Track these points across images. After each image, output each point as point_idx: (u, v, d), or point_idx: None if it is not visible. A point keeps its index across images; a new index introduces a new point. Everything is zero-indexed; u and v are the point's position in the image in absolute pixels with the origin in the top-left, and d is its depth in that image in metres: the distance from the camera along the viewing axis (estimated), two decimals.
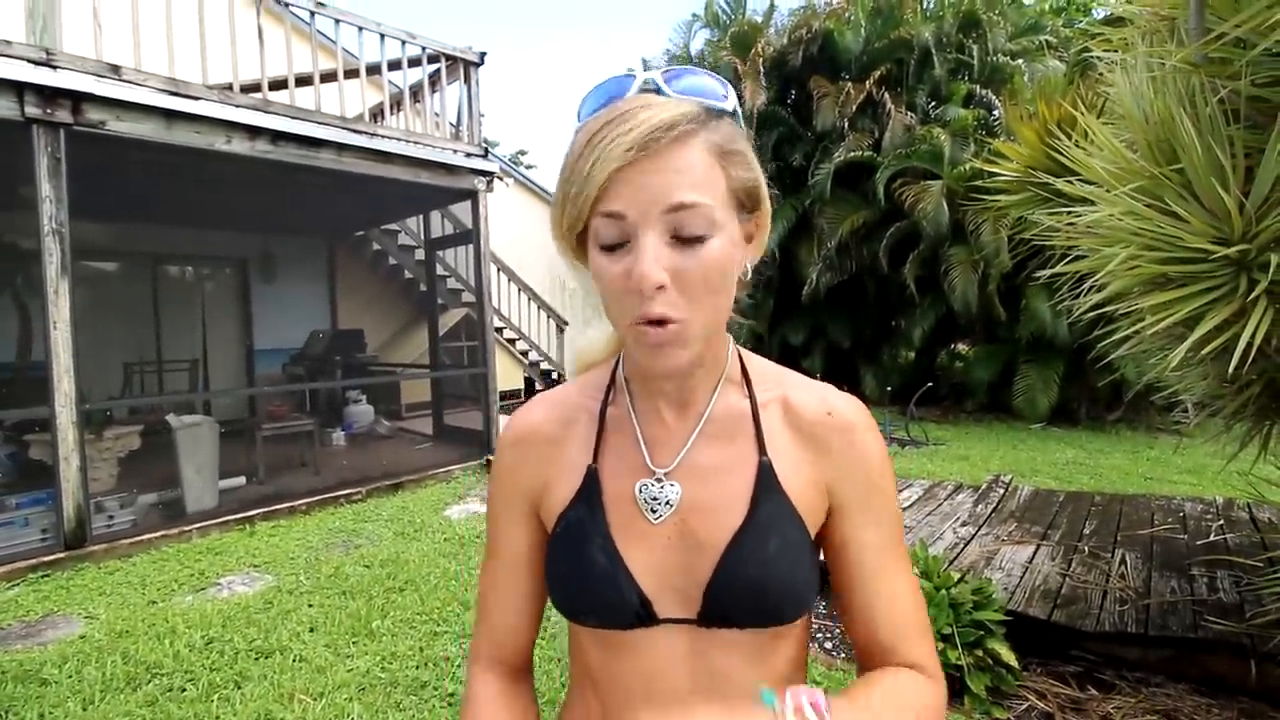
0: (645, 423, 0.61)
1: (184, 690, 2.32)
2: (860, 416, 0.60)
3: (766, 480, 0.57)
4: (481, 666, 0.66)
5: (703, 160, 0.50)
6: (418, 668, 2.43)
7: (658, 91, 0.51)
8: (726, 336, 0.62)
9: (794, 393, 0.61)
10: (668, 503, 0.57)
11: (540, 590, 0.65)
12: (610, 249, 0.50)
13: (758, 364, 0.64)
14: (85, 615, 2.98)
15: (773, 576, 0.54)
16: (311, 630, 2.75)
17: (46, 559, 3.54)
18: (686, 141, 0.49)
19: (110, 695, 2.29)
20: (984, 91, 8.40)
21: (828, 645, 2.61)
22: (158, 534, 3.91)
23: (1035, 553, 3.03)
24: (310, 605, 2.99)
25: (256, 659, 2.52)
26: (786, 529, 0.56)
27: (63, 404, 3.61)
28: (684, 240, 0.49)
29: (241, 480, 4.93)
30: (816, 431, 0.59)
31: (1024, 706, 2.15)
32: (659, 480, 0.58)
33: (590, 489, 0.59)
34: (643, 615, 0.56)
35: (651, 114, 0.48)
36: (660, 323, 0.50)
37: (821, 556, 0.62)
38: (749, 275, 0.58)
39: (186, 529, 4.02)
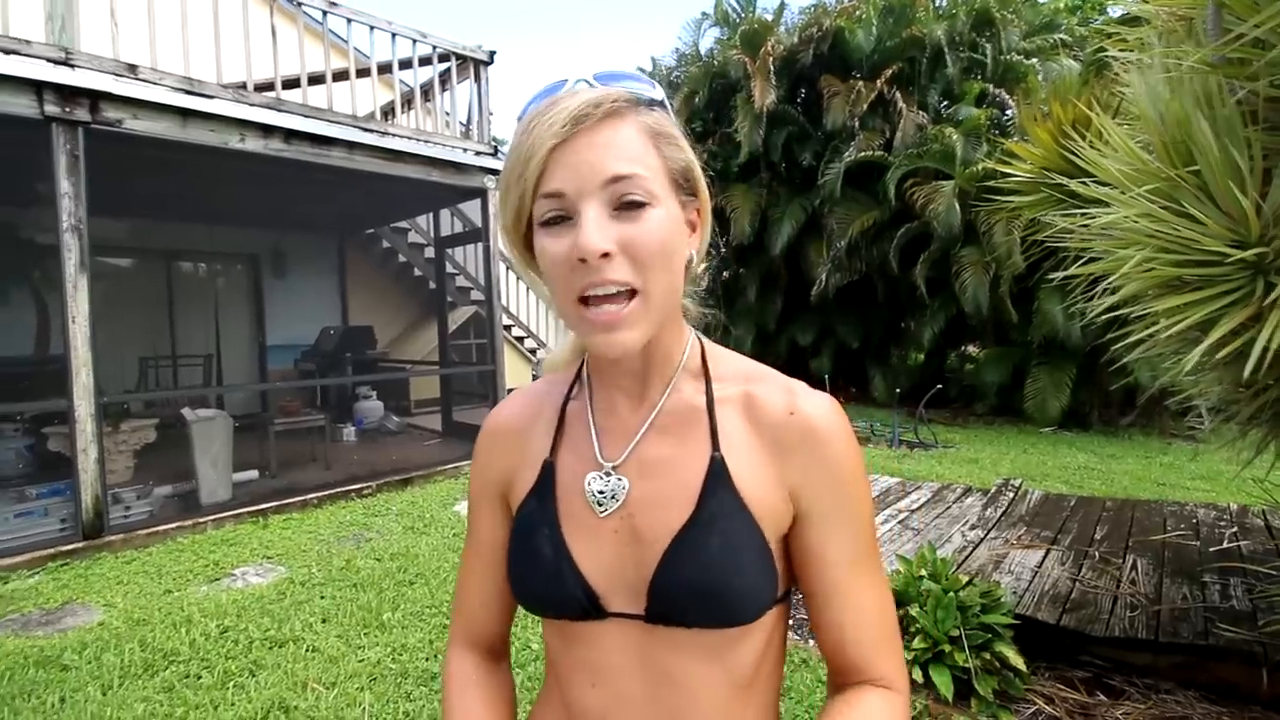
0: (600, 416, 0.61)
1: (200, 678, 2.35)
2: (827, 418, 0.56)
3: (716, 476, 0.55)
4: (458, 647, 0.68)
5: (635, 138, 0.51)
6: (427, 659, 2.45)
7: (588, 86, 0.53)
8: (685, 327, 0.61)
9: (758, 389, 0.58)
10: (613, 496, 0.57)
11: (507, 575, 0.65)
12: (552, 225, 0.51)
13: (721, 357, 0.62)
14: (103, 603, 3.03)
15: (713, 577, 0.52)
16: (324, 621, 2.78)
17: (65, 548, 3.60)
18: (617, 119, 0.50)
19: (129, 681, 2.33)
20: (997, 91, 8.34)
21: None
22: (173, 525, 3.97)
23: (1045, 557, 3.02)
24: (322, 597, 3.03)
25: (270, 648, 2.56)
26: (733, 529, 0.53)
27: (81, 396, 3.66)
28: (624, 209, 0.50)
29: (254, 474, 4.99)
30: (778, 433, 0.56)
31: (1031, 710, 2.14)
32: (607, 474, 0.58)
33: (545, 482, 0.60)
34: (589, 608, 0.56)
35: (580, 97, 0.50)
36: (609, 299, 0.49)
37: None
38: (698, 267, 0.58)
39: (201, 521, 4.07)
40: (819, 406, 0.57)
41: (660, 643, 0.55)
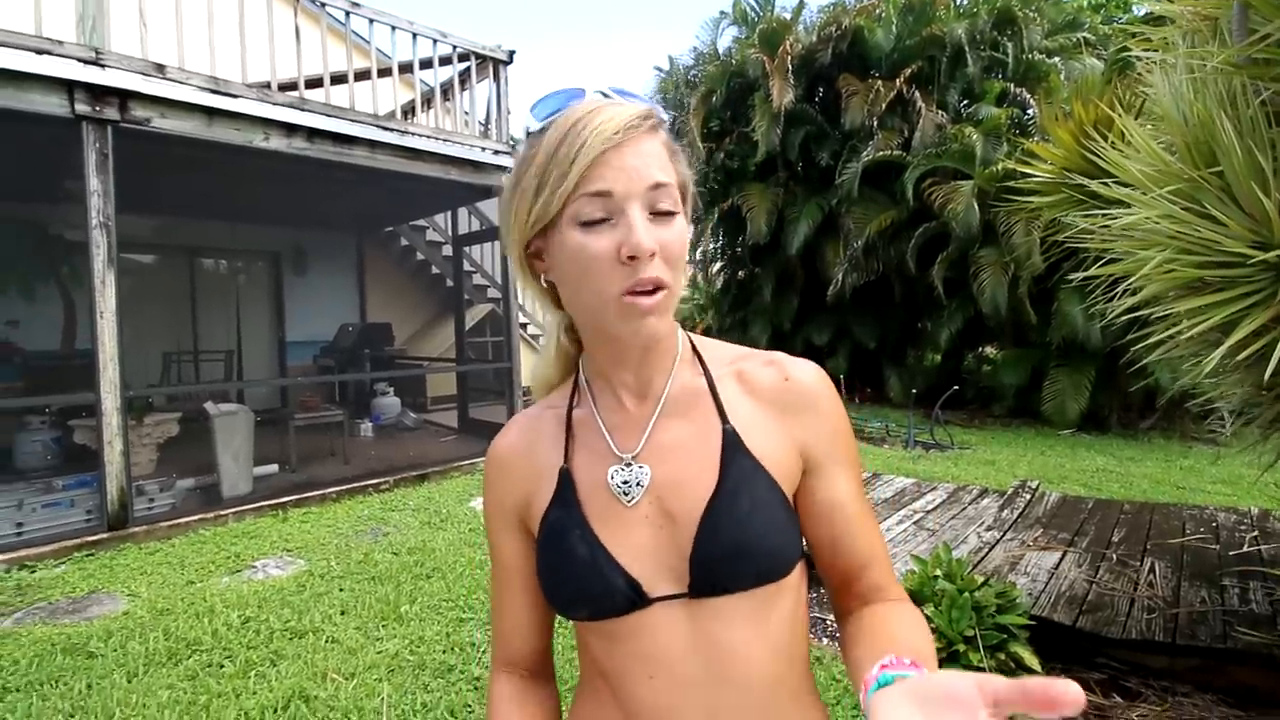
0: (607, 414, 0.64)
1: (222, 666, 2.41)
2: (816, 377, 0.63)
3: (733, 446, 0.59)
4: (499, 672, 0.69)
5: (663, 151, 0.56)
6: (445, 652, 2.49)
7: (604, 96, 0.57)
8: (675, 324, 0.65)
9: (748, 365, 0.64)
10: (638, 484, 0.60)
11: (541, 597, 0.66)
12: (592, 225, 0.54)
13: (709, 345, 0.67)
14: (128, 593, 3.10)
15: (751, 535, 0.56)
16: (343, 613, 2.83)
17: (90, 539, 3.69)
18: (653, 133, 0.56)
19: (153, 669, 2.39)
20: (1018, 90, 8.24)
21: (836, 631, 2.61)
22: (195, 517, 4.05)
23: (1062, 559, 3.00)
24: (341, 589, 3.08)
25: (291, 639, 2.61)
26: (757, 488, 0.58)
27: (108, 390, 3.75)
28: (659, 215, 0.55)
29: (275, 468, 5.07)
30: (779, 399, 0.62)
31: None
32: (627, 465, 0.60)
33: (565, 488, 0.62)
34: (634, 598, 0.57)
35: (622, 108, 0.54)
36: (652, 291, 0.54)
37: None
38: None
39: (223, 513, 4.15)
40: (810, 371, 0.64)
41: (707, 616, 0.57)
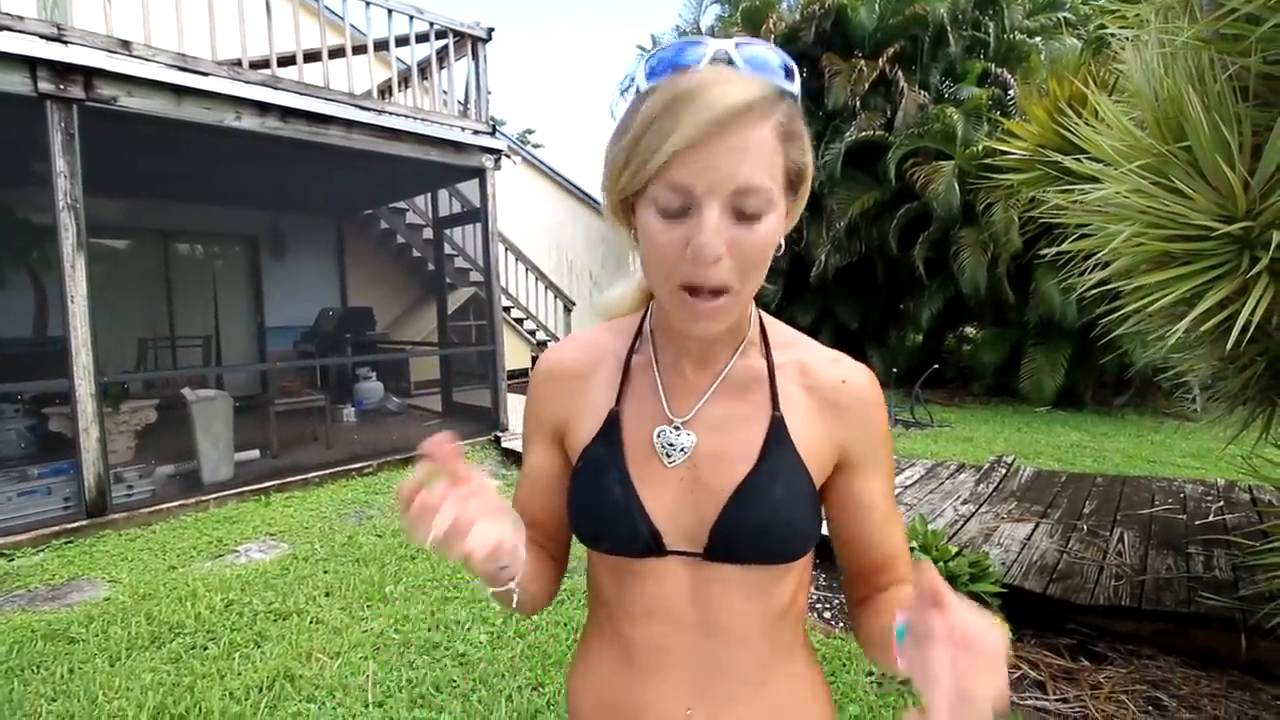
0: (666, 374, 0.65)
1: (206, 648, 2.41)
2: (870, 383, 0.65)
3: (777, 433, 0.61)
4: None
5: (769, 142, 0.51)
6: (430, 630, 2.51)
7: (728, 62, 0.52)
8: (751, 305, 0.66)
9: (811, 359, 0.65)
10: (682, 449, 0.62)
11: (560, 505, 0.68)
12: (669, 214, 0.52)
13: (776, 328, 0.68)
14: (109, 579, 3.08)
15: (777, 518, 0.59)
16: (327, 595, 2.84)
17: (69, 526, 3.64)
18: (759, 121, 0.50)
19: (136, 653, 2.39)
20: (999, 70, 8.27)
21: (826, 615, 2.67)
22: (176, 503, 4.01)
23: (1034, 530, 3.08)
24: (325, 571, 3.08)
25: (275, 620, 2.61)
26: (793, 477, 0.61)
27: (81, 376, 3.68)
28: (742, 217, 0.51)
29: (256, 453, 5.03)
30: (830, 397, 0.64)
31: (1016, 675, 2.21)
32: (676, 428, 0.63)
33: (611, 430, 0.64)
34: (651, 546, 0.61)
35: (728, 90, 0.49)
36: (714, 294, 0.52)
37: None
38: (780, 250, 0.60)
39: (204, 499, 4.12)
40: (865, 376, 0.66)
41: (713, 577, 0.61)
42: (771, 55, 0.54)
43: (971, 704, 0.38)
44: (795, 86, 0.55)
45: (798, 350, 0.66)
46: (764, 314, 0.68)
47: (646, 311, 0.69)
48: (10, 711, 2.04)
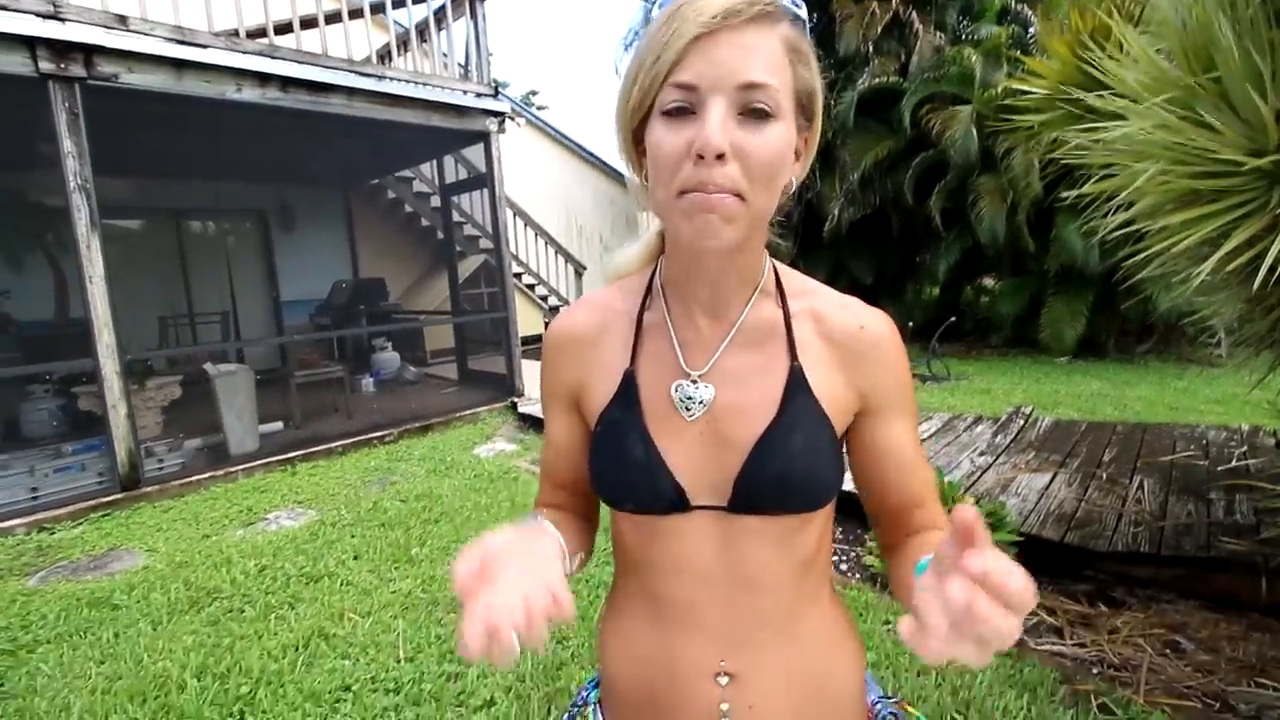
0: (680, 328, 0.64)
1: (243, 611, 2.51)
2: (888, 328, 0.64)
3: (796, 383, 0.61)
4: (538, 506, 0.74)
5: (776, 48, 0.51)
6: None
7: None
8: (764, 250, 0.64)
9: (825, 306, 0.64)
10: (701, 402, 0.62)
11: (577, 464, 0.70)
12: (674, 115, 0.51)
13: (791, 277, 0.67)
14: (146, 549, 3.20)
15: (798, 468, 0.59)
16: (355, 558, 2.92)
17: (105, 499, 3.77)
18: (764, 24, 0.51)
19: (176, 616, 2.49)
20: (1020, 6, 7.92)
21: (843, 567, 2.70)
22: (205, 475, 4.13)
23: (1052, 479, 3.07)
24: (353, 536, 3.17)
25: (307, 583, 2.71)
26: (812, 427, 0.60)
27: (105, 355, 3.76)
28: (749, 115, 0.50)
29: (279, 425, 5.14)
30: (849, 344, 0.62)
31: (1033, 621, 2.23)
32: (694, 382, 0.62)
33: (628, 390, 0.64)
34: (676, 502, 0.61)
35: None
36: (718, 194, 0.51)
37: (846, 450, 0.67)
38: (792, 189, 0.59)
39: (232, 470, 4.23)
40: (882, 321, 0.64)
41: (738, 530, 0.61)
42: None
43: (975, 637, 0.35)
44: (803, 11, 0.55)
45: (812, 298, 0.65)
46: (778, 262, 0.66)
47: (656, 268, 0.68)
48: (62, 674, 2.15)
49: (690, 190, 0.51)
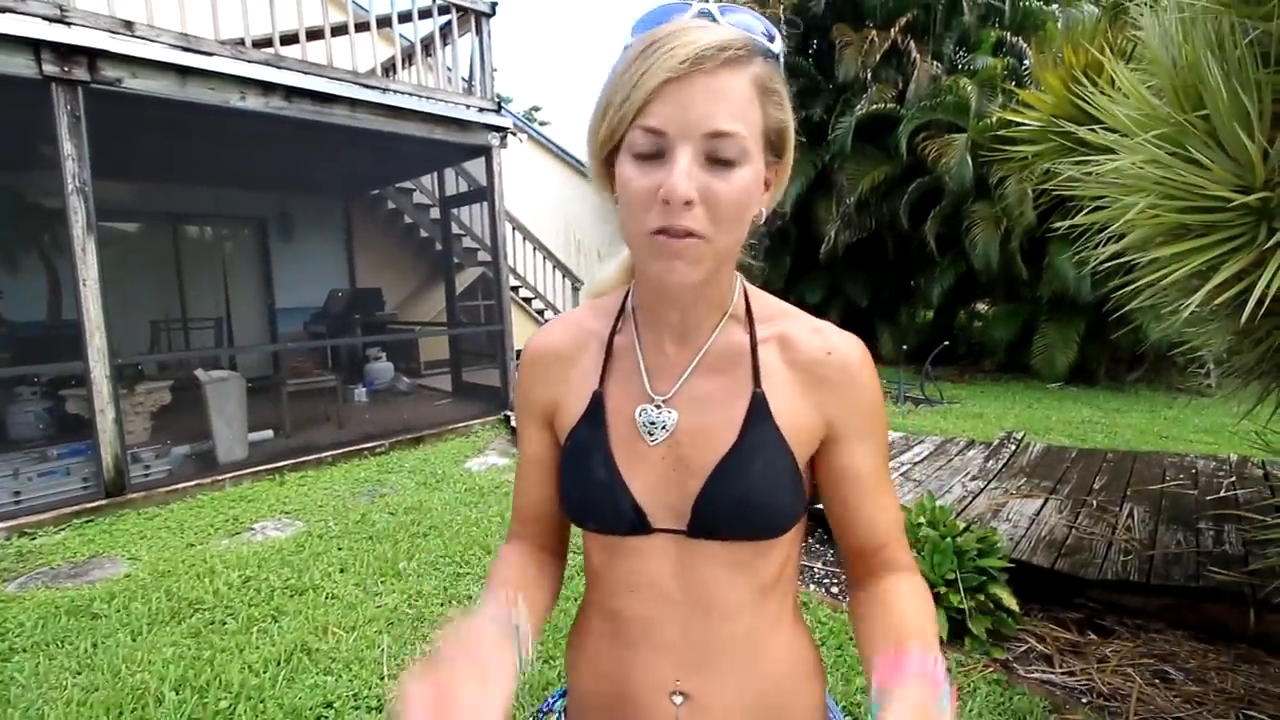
0: (648, 352, 0.65)
1: (225, 623, 2.47)
2: (859, 354, 0.63)
3: (758, 410, 0.60)
4: (510, 539, 0.74)
5: (745, 91, 0.51)
6: (442, 605, 2.56)
7: (710, 19, 0.53)
8: (735, 275, 0.64)
9: (795, 331, 0.64)
10: (663, 427, 0.62)
11: (554, 488, 0.70)
12: (643, 159, 0.52)
13: (763, 301, 0.66)
14: (129, 556, 3.15)
15: (756, 495, 0.59)
16: (342, 571, 2.89)
17: (89, 505, 3.72)
18: (735, 68, 0.51)
19: (157, 627, 2.45)
20: (1015, 39, 8.08)
21: (834, 590, 2.69)
22: (192, 483, 4.08)
23: (1043, 506, 3.07)
24: (340, 548, 3.14)
25: (291, 596, 2.67)
26: (773, 454, 0.60)
27: (96, 359, 3.73)
28: (716, 163, 0.51)
29: (269, 433, 5.10)
30: (816, 370, 0.62)
31: (1023, 649, 2.22)
32: (657, 407, 0.63)
33: (595, 411, 0.64)
34: (637, 524, 0.62)
35: (704, 34, 0.50)
36: (683, 237, 0.51)
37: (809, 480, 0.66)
38: (761, 220, 0.59)
39: (219, 478, 4.19)
40: (852, 346, 0.63)
41: (698, 553, 0.62)
42: (753, 20, 0.55)
43: None
44: (777, 47, 0.55)
45: (781, 323, 0.64)
46: (750, 286, 0.66)
47: (628, 290, 0.68)
48: (37, 684, 2.11)
49: (657, 232, 0.52)
